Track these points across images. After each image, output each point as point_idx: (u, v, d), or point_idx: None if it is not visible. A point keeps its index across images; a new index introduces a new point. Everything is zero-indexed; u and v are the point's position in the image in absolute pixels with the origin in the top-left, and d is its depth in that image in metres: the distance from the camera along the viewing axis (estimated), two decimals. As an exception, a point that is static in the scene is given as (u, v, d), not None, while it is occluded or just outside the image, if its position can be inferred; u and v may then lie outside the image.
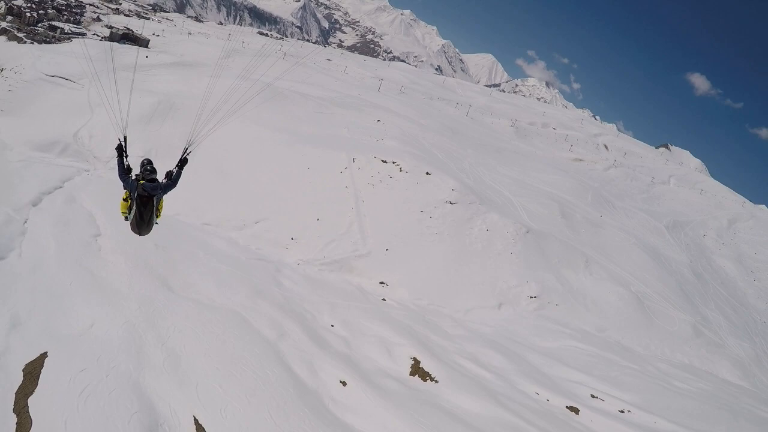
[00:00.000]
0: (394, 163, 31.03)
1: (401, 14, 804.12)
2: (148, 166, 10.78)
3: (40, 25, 72.51)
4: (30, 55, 45.65)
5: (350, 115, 45.61)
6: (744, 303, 40.45)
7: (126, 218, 11.11)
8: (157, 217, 11.02)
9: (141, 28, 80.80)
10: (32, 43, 55.80)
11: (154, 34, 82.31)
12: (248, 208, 26.87)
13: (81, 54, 48.65)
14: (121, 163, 10.58)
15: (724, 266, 48.27)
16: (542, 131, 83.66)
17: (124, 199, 10.90)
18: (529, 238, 26.46)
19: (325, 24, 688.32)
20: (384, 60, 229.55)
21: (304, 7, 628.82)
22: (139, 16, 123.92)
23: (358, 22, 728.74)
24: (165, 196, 10.94)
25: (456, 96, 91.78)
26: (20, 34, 60.84)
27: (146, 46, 68.67)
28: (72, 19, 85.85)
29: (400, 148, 36.12)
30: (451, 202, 27.37)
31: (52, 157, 29.09)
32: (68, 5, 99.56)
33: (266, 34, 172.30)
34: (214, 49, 72.16)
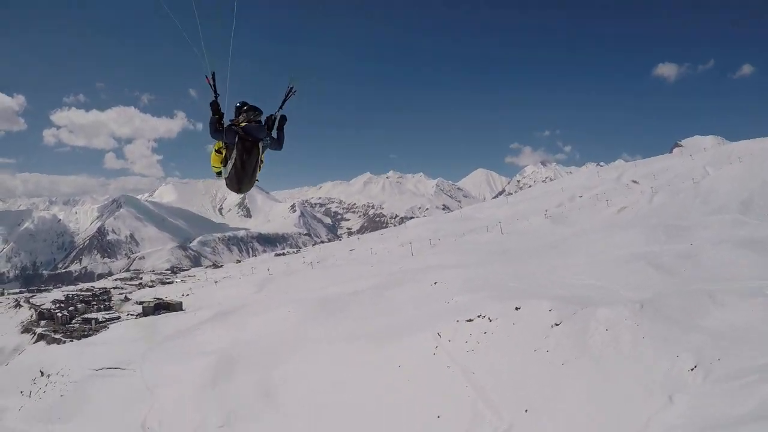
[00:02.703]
0: (479, 316, 29.74)
1: (386, 178, 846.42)
2: (244, 106, 9.10)
3: (74, 321, 75.00)
4: (72, 354, 45.56)
5: (406, 291, 44.88)
6: None
7: (218, 174, 9.43)
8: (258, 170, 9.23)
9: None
10: (71, 341, 56.61)
11: (183, 295, 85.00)
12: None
13: (121, 339, 48.78)
14: (215, 122, 8.67)
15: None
16: (573, 205, 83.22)
17: (216, 150, 9.26)
18: (647, 312, 24.62)
19: (328, 220, 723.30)
20: (395, 225, 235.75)
21: (302, 215, 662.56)
22: (162, 283, 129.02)
23: (355, 203, 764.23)
24: None
25: (480, 222, 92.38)
26: (57, 336, 62.11)
27: (181, 309, 70.52)
28: (102, 306, 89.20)
29: (474, 297, 35.01)
30: (556, 324, 25.77)
31: (126, 456, 27.28)
32: (94, 295, 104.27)
33: (284, 253, 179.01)
34: (247, 287, 73.78)
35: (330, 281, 61.28)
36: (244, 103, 9.12)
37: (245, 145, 8.72)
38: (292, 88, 9.23)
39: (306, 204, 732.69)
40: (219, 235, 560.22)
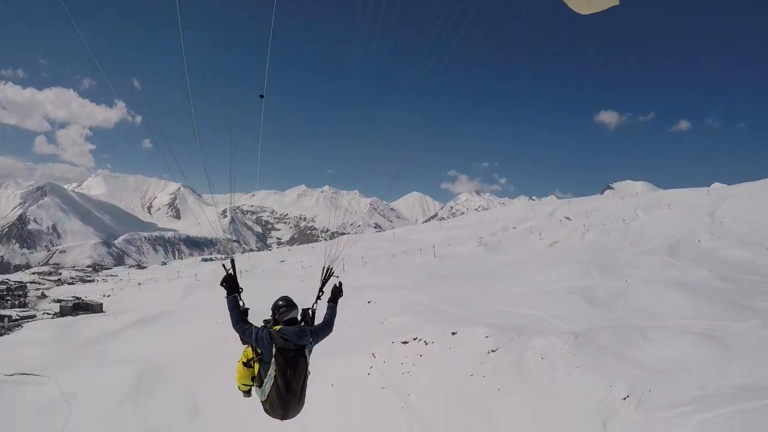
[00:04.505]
0: (415, 339, 29.44)
1: (321, 192, 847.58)
2: (279, 301, 7.21)
3: (-15, 317, 70.26)
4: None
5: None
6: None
7: (247, 393, 7.14)
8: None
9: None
10: (-19, 340, 52.55)
11: (104, 296, 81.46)
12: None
13: (36, 340, 45.96)
14: (235, 305, 6.81)
15: (737, 255, 47.86)
16: (507, 236, 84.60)
17: (244, 364, 6.92)
18: (581, 343, 24.91)
19: (258, 228, 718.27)
20: (326, 239, 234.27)
21: (233, 221, 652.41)
22: (82, 280, 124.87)
23: (287, 214, 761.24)
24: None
25: (413, 243, 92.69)
26: (-34, 331, 57.97)
27: (102, 311, 67.76)
28: (17, 302, 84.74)
29: (410, 320, 34.60)
30: (492, 350, 25.72)
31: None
32: (9, 289, 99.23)
33: (211, 259, 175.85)
34: (172, 292, 71.10)
35: (260, 293, 59.27)
36: (281, 299, 7.34)
37: (286, 357, 6.35)
38: (330, 268, 7.75)
39: (237, 210, 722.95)
40: (146, 234, 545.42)
